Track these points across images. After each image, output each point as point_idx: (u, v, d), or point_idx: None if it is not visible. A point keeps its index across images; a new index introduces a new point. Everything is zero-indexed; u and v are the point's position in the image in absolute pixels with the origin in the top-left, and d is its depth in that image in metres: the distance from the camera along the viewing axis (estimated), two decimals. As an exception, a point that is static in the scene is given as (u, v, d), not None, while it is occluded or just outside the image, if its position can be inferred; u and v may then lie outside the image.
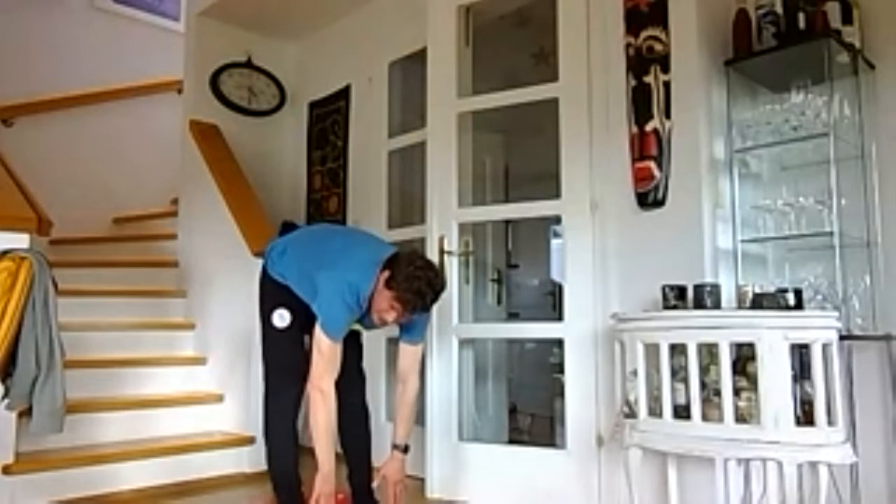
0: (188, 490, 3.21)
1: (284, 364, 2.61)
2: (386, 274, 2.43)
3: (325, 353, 2.44)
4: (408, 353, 2.71)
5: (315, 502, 2.42)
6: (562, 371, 2.99)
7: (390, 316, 2.46)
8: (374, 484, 2.70)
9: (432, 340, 3.18)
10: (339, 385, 2.52)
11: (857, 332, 2.49)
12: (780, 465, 2.06)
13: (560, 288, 3.04)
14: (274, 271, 2.67)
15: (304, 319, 2.58)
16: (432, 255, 3.23)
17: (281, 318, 2.62)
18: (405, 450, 2.70)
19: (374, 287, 2.45)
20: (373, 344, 3.51)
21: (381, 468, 2.70)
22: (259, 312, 2.71)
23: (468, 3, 3.38)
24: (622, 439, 2.40)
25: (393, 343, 2.97)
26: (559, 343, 3.06)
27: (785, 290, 2.32)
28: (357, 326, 2.65)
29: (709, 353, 2.26)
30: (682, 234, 2.67)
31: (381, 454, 2.78)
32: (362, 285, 2.45)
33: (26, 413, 2.67)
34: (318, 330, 2.44)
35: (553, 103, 3.05)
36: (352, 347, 2.70)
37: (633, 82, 2.82)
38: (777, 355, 2.09)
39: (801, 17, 2.57)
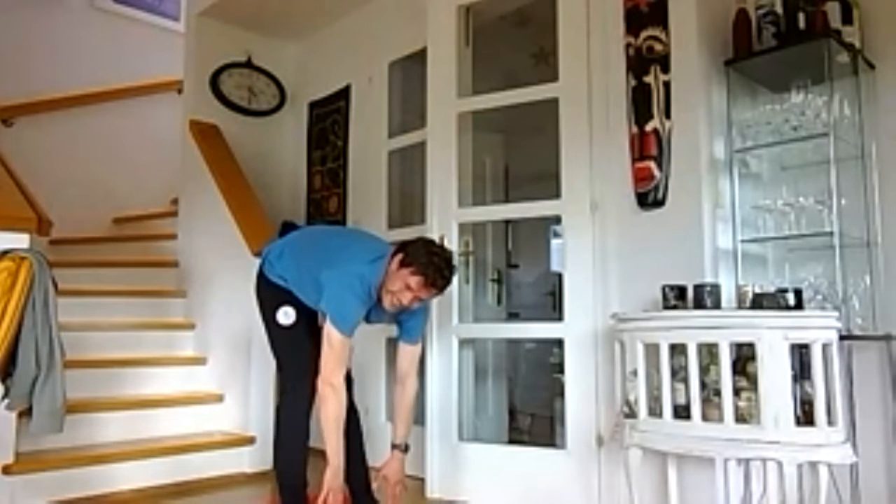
0: (188, 490, 3.21)
1: (297, 362, 2.59)
2: (399, 256, 2.44)
3: (335, 348, 2.44)
4: (406, 352, 2.71)
5: (325, 496, 2.41)
6: (562, 371, 2.99)
7: (406, 296, 2.44)
8: (375, 486, 2.70)
9: (432, 340, 3.18)
10: None
11: (857, 332, 2.49)
12: (780, 465, 2.06)
13: (560, 288, 3.04)
14: (272, 274, 2.66)
15: (309, 314, 2.57)
16: (432, 255, 3.23)
17: (286, 315, 2.62)
18: (405, 449, 2.70)
19: (385, 274, 2.46)
20: (373, 344, 3.52)
21: (382, 469, 2.70)
22: (261, 316, 2.69)
23: (468, 3, 3.38)
24: (622, 439, 2.40)
25: (393, 342, 2.97)
26: (559, 343, 3.06)
27: (785, 290, 2.32)
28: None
29: (709, 353, 2.26)
30: (682, 234, 2.67)
31: (382, 454, 2.78)
32: (371, 276, 2.46)
33: (26, 413, 2.67)
34: (328, 325, 2.44)
35: (553, 103, 3.05)
36: None
37: (633, 82, 2.82)
38: (777, 355, 2.09)
39: (801, 17, 2.57)
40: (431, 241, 2.57)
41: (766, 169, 2.87)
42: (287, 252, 2.67)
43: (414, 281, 2.42)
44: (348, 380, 2.79)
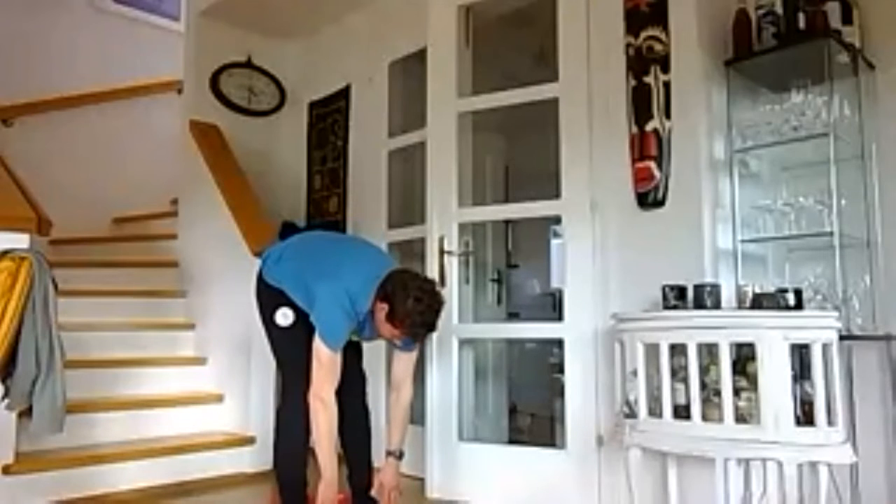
0: (188, 490, 3.21)
1: (296, 362, 2.58)
2: (385, 308, 2.43)
3: (324, 363, 2.44)
4: (402, 359, 2.71)
5: None
6: (562, 371, 2.99)
7: (397, 340, 2.56)
8: (372, 492, 2.71)
9: (432, 340, 3.17)
10: (340, 386, 2.52)
11: (857, 332, 2.49)
12: (780, 465, 2.06)
13: (560, 288, 3.04)
14: (270, 277, 2.66)
15: (308, 315, 2.57)
16: (432, 255, 3.23)
17: (284, 316, 2.62)
18: (400, 456, 2.70)
19: (373, 309, 2.47)
20: (373, 345, 3.51)
21: (378, 475, 2.70)
22: (260, 317, 2.70)
23: (468, 3, 3.38)
24: (622, 439, 2.40)
25: (391, 345, 2.96)
26: (559, 343, 3.06)
27: (785, 290, 2.32)
28: (355, 338, 2.65)
29: (709, 353, 2.26)
30: (682, 234, 2.66)
31: (381, 457, 2.77)
32: (360, 298, 2.46)
33: (26, 413, 2.67)
34: (317, 340, 2.44)
35: (553, 103, 3.05)
36: (352, 349, 2.69)
37: (633, 82, 2.83)
38: (777, 355, 2.09)
39: (801, 17, 2.57)
40: (414, 287, 2.43)
41: (766, 169, 2.86)
42: (285, 257, 2.68)
43: (402, 335, 2.48)
44: (362, 379, 2.80)
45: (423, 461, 3.16)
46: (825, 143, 2.45)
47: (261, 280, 2.71)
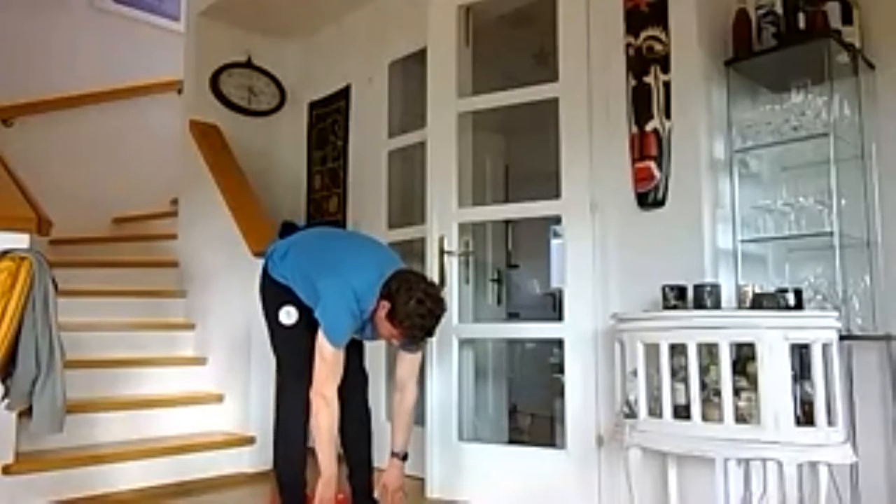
0: (188, 490, 3.21)
1: (297, 362, 2.58)
2: (387, 306, 2.42)
3: (327, 360, 2.44)
4: (406, 360, 2.70)
5: None
6: (562, 371, 2.99)
7: (395, 340, 2.52)
8: (376, 494, 2.70)
9: (432, 341, 3.17)
10: (342, 386, 2.51)
11: (857, 332, 2.49)
12: (780, 465, 2.06)
13: (560, 288, 3.04)
14: (276, 273, 2.66)
15: (311, 315, 2.57)
16: (432, 255, 3.23)
17: (288, 314, 2.61)
18: (404, 457, 2.70)
19: (376, 308, 2.45)
20: (374, 347, 3.51)
21: (382, 477, 2.69)
22: (264, 314, 2.70)
23: (468, 3, 3.38)
24: (622, 439, 2.40)
25: (391, 344, 2.96)
26: (559, 343, 3.06)
27: (785, 290, 2.32)
28: (356, 336, 2.65)
29: (709, 353, 2.26)
30: (682, 234, 2.67)
31: (381, 454, 2.78)
32: (366, 296, 2.45)
33: (26, 413, 2.67)
34: (320, 336, 2.44)
35: (553, 103, 3.05)
36: (353, 347, 2.69)
37: (633, 82, 2.83)
38: (777, 355, 2.09)
39: (801, 17, 2.57)
40: (418, 289, 2.41)
41: (766, 169, 2.87)
42: (291, 253, 2.67)
43: (400, 336, 2.46)
44: (363, 378, 2.80)
45: (423, 461, 3.16)
46: (825, 143, 2.45)
47: (266, 276, 2.70)
